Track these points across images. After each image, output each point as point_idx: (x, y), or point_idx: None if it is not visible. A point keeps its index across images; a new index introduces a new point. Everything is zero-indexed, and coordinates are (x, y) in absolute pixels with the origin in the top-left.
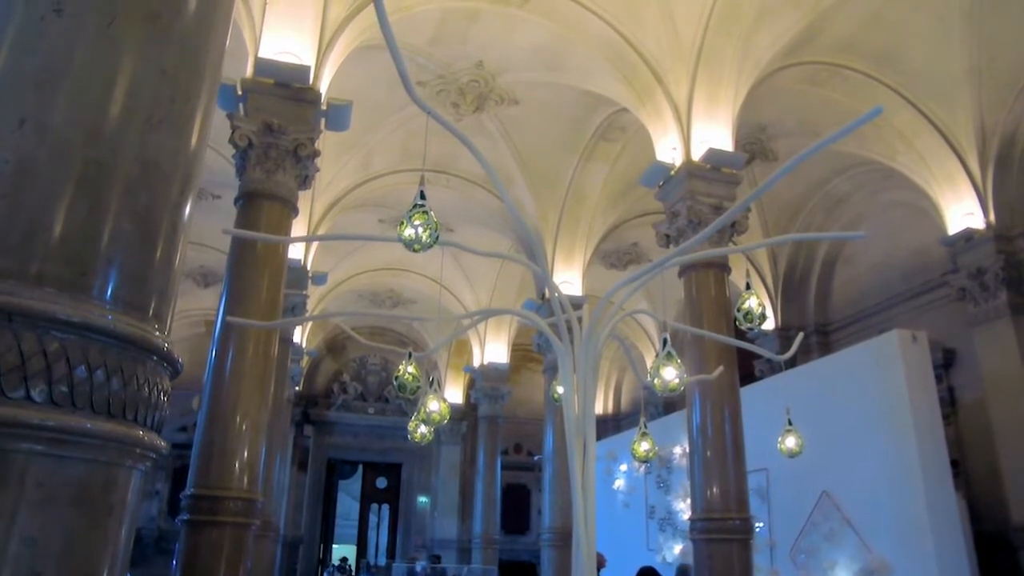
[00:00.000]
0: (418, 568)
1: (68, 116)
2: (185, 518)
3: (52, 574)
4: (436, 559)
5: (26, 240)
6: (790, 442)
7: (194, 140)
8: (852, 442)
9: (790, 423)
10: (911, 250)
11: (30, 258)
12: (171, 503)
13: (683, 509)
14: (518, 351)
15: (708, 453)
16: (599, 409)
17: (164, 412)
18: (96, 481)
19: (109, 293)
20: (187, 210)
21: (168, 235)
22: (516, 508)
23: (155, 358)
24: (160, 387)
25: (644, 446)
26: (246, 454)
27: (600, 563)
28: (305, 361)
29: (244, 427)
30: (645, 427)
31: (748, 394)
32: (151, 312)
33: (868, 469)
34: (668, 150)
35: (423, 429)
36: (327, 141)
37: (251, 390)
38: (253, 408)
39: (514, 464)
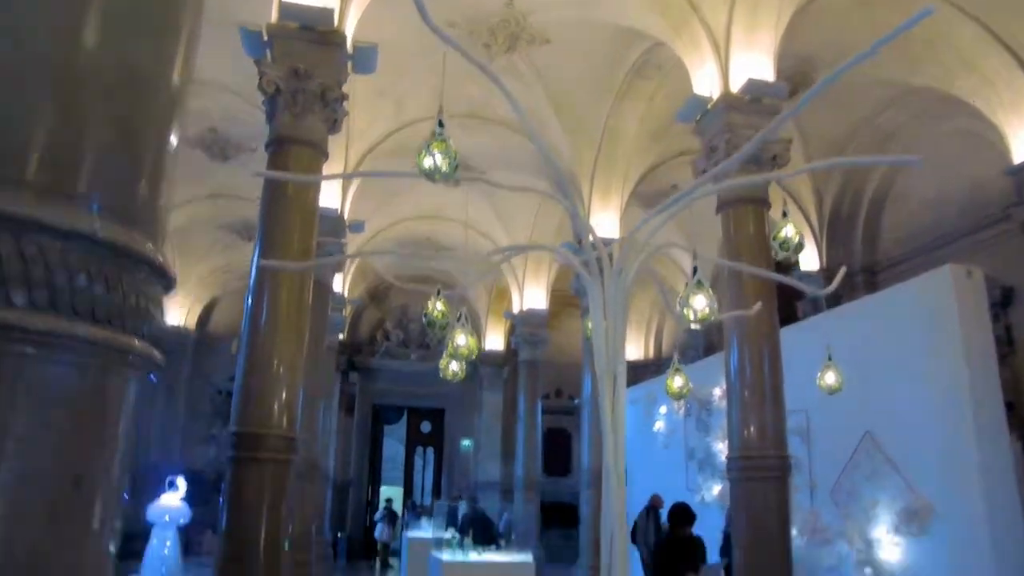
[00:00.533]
0: (460, 509)
1: (42, 20)
2: (230, 455)
3: (43, 474)
4: (471, 500)
5: (2, 146)
6: (829, 378)
7: (181, 48)
8: (899, 382)
9: (830, 358)
10: (969, 183)
11: (6, 163)
12: None
13: (722, 450)
14: (557, 296)
15: (745, 392)
16: (640, 354)
17: (157, 322)
18: (86, 385)
19: (92, 200)
20: (176, 122)
21: (156, 145)
22: (558, 451)
23: (145, 268)
24: (148, 296)
25: (677, 382)
26: (284, 395)
27: (657, 504)
28: (348, 310)
29: (281, 369)
30: (678, 363)
31: (789, 334)
32: (138, 221)
33: (915, 410)
34: (706, 82)
35: (454, 366)
36: (360, 88)
37: (286, 332)
38: (289, 350)
39: (555, 408)
